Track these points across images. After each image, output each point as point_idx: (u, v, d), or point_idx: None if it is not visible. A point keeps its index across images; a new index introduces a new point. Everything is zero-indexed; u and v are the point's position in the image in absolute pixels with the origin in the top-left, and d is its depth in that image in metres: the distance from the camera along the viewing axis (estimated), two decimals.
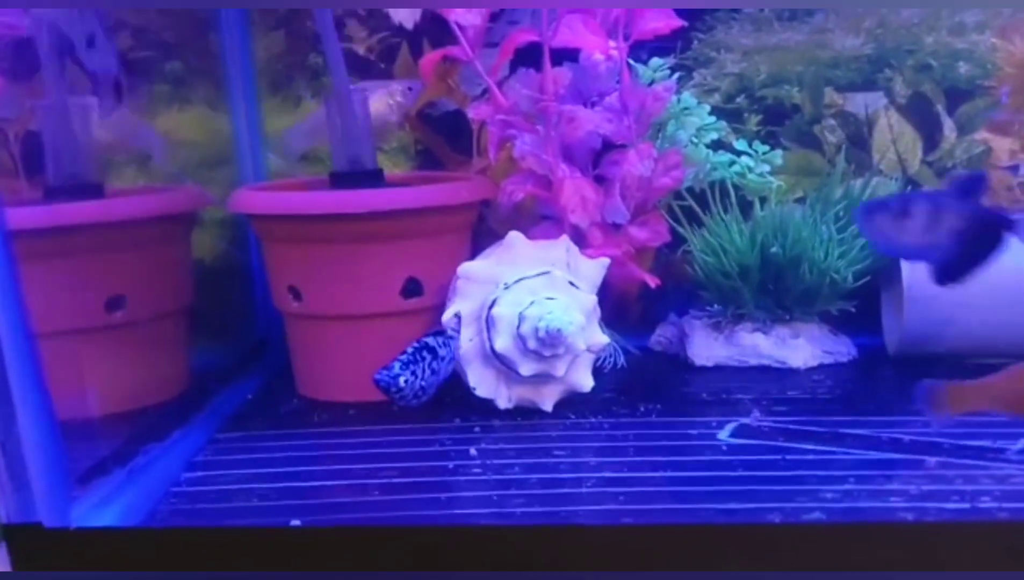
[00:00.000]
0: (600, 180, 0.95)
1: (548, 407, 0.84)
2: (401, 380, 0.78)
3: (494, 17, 0.96)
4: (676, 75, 0.99)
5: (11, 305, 0.60)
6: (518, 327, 0.80)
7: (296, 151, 1.08)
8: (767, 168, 0.98)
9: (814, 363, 0.95)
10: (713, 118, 0.99)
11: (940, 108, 1.03)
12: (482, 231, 0.97)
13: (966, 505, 0.63)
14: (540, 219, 0.97)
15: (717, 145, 1.00)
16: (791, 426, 0.79)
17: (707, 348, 0.97)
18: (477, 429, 0.81)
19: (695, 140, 0.99)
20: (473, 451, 0.76)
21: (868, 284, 0.95)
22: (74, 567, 0.63)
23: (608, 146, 0.96)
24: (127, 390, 0.89)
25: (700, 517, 0.63)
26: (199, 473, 0.74)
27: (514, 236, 0.86)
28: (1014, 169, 1.04)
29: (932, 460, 0.70)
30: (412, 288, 0.88)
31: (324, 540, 0.63)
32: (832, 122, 1.04)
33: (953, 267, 0.69)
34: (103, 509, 0.66)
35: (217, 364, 0.98)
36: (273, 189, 0.94)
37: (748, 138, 1.01)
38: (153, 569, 0.64)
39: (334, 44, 0.89)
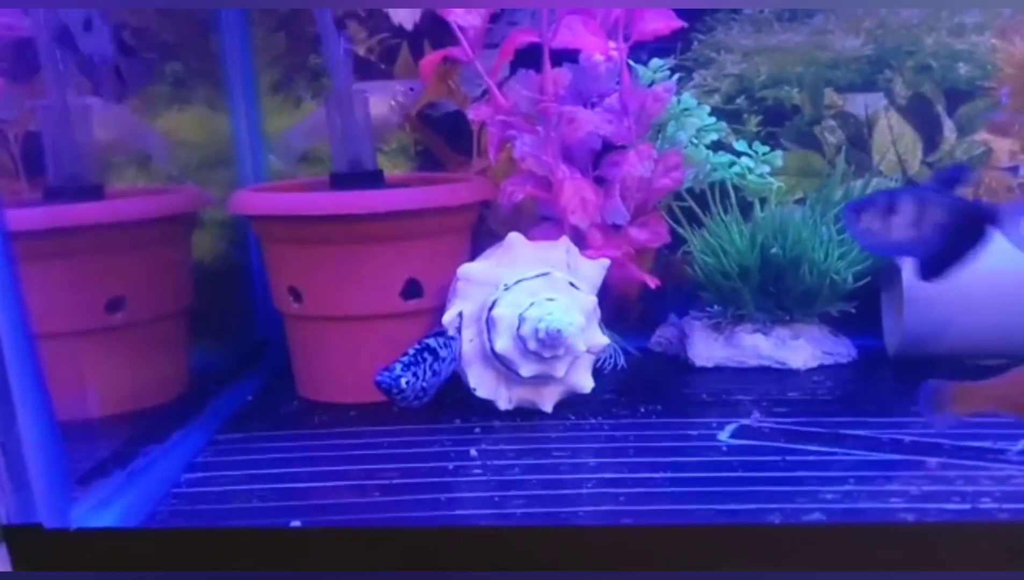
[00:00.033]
0: (600, 181, 0.95)
1: (548, 408, 0.84)
2: (403, 381, 0.78)
3: (494, 18, 0.96)
4: (676, 76, 0.99)
5: (11, 306, 0.60)
6: (518, 328, 0.80)
7: (296, 150, 1.08)
8: (767, 169, 0.98)
9: (814, 364, 0.95)
10: (713, 119, 0.99)
11: (940, 109, 1.03)
12: (482, 232, 0.97)
13: (967, 506, 0.63)
14: (540, 220, 0.97)
15: (717, 146, 1.00)
16: (791, 427, 0.79)
17: (707, 349, 0.97)
18: (477, 430, 0.81)
19: (695, 141, 0.99)
20: (473, 452, 0.76)
21: (868, 285, 0.95)
22: (74, 568, 0.63)
23: (608, 147, 0.96)
24: (127, 391, 0.89)
25: (700, 518, 0.63)
26: (199, 474, 0.74)
27: (514, 237, 0.86)
28: (1014, 170, 1.04)
29: (933, 461, 0.70)
30: (412, 289, 0.88)
31: (324, 541, 0.63)
32: (832, 123, 1.04)
33: (938, 261, 0.69)
34: (103, 510, 0.66)
35: (217, 365, 0.98)
36: (273, 190, 0.94)
37: (748, 139, 1.01)
38: (153, 570, 0.64)
39: (334, 45, 0.89)
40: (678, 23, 0.91)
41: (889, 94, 1.03)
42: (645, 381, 0.94)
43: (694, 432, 0.78)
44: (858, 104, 1.04)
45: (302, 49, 1.07)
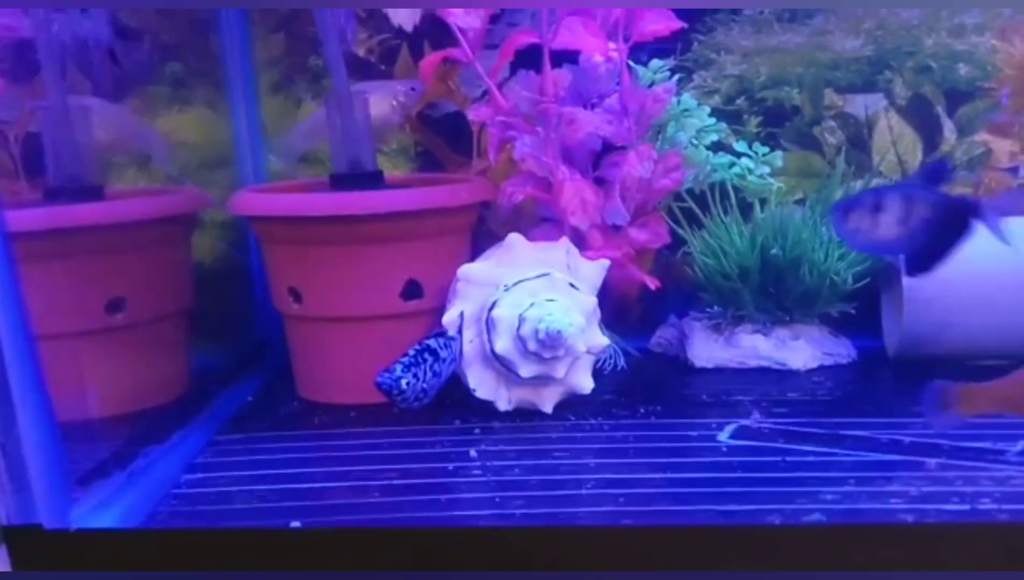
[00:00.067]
0: (600, 182, 0.95)
1: (548, 409, 0.84)
2: (403, 382, 0.78)
3: (494, 19, 0.96)
4: (676, 77, 0.99)
5: (11, 307, 0.60)
6: (518, 329, 0.80)
7: (297, 151, 1.08)
8: (767, 170, 0.98)
9: (814, 365, 0.95)
10: (713, 120, 0.99)
11: (940, 110, 1.03)
12: (482, 233, 0.97)
13: (966, 507, 0.63)
14: (540, 221, 0.97)
15: (717, 147, 0.99)
16: (791, 428, 0.79)
17: (707, 350, 0.97)
18: (477, 431, 0.81)
19: (695, 142, 0.99)
20: (473, 453, 0.76)
21: (868, 286, 0.96)
22: (74, 568, 0.63)
23: (608, 148, 0.96)
24: (127, 392, 0.89)
25: (700, 518, 0.63)
26: (199, 475, 0.74)
27: (514, 238, 0.86)
28: (1014, 171, 1.04)
29: (932, 462, 0.70)
30: (412, 290, 0.88)
31: (324, 541, 0.63)
32: (832, 124, 1.05)
33: (923, 256, 0.69)
34: (103, 511, 0.66)
35: (217, 366, 0.98)
36: (273, 191, 0.94)
37: (748, 140, 1.01)
38: (153, 570, 0.64)
39: (334, 46, 0.89)
40: (678, 24, 0.91)
41: (889, 95, 1.04)
42: (645, 382, 0.94)
43: (694, 433, 0.78)
44: (858, 105, 1.04)
45: (302, 50, 1.07)
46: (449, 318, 0.84)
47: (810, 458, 0.72)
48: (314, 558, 0.63)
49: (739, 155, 0.99)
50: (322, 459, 0.77)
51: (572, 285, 0.84)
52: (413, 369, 0.79)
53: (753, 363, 0.95)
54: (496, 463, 0.73)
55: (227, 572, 0.63)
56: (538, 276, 0.83)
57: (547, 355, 0.80)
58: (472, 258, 0.89)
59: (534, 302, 0.81)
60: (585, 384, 0.84)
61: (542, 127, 0.93)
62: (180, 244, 0.96)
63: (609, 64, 0.93)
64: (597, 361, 0.90)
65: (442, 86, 1.06)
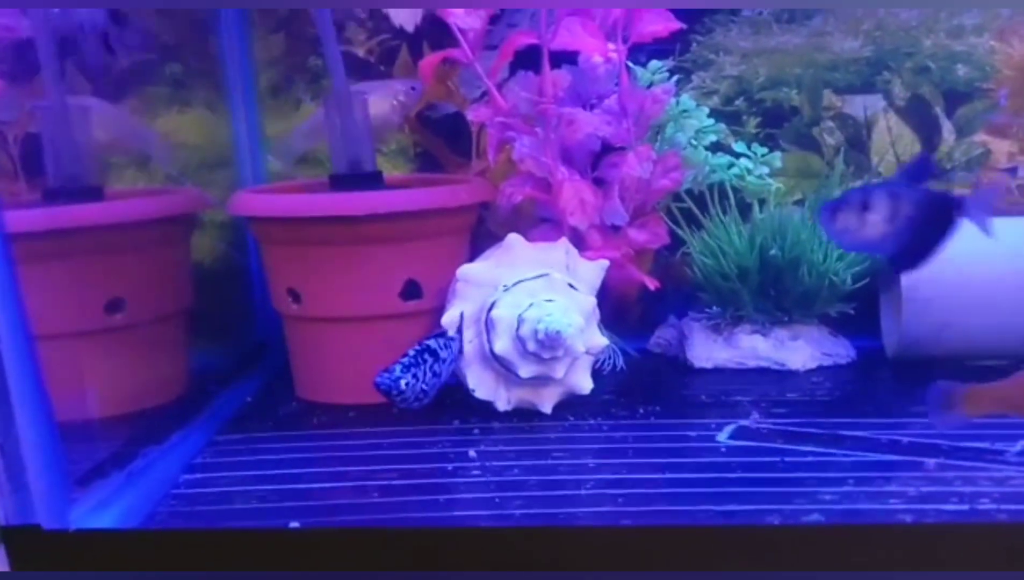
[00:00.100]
0: (599, 182, 0.95)
1: (547, 409, 0.84)
2: (402, 383, 0.78)
3: (493, 20, 0.96)
4: (675, 77, 1.00)
5: (10, 307, 0.60)
6: (517, 329, 0.80)
7: (296, 152, 1.08)
8: (766, 170, 0.99)
9: (813, 365, 0.95)
10: (712, 120, 0.99)
11: (939, 110, 1.03)
12: (481, 233, 0.97)
13: (965, 507, 0.63)
14: (539, 221, 0.97)
15: (716, 147, 1.00)
16: (790, 428, 0.79)
17: (706, 350, 0.97)
18: (476, 431, 0.81)
19: (694, 142, 0.99)
20: (472, 453, 0.76)
21: (867, 286, 0.96)
22: (73, 569, 0.63)
23: (607, 148, 0.96)
24: (126, 392, 0.89)
25: (699, 519, 0.63)
26: (198, 475, 0.74)
27: (513, 238, 0.86)
28: (1013, 171, 1.04)
29: (931, 462, 0.70)
30: (411, 290, 0.88)
31: (323, 542, 0.63)
32: (831, 124, 1.05)
33: (909, 254, 0.69)
34: (102, 511, 0.66)
35: (216, 366, 0.98)
36: (272, 192, 0.94)
37: (747, 140, 1.01)
38: (152, 570, 0.64)
39: (333, 46, 0.89)
40: (677, 25, 0.91)
41: (888, 96, 1.04)
42: (644, 382, 0.94)
43: (693, 433, 0.78)
44: (857, 105, 1.04)
45: (301, 50, 1.07)
46: (448, 318, 0.84)
47: (809, 458, 0.72)
48: (313, 558, 0.63)
49: (738, 156, 0.99)
50: (321, 459, 0.77)
51: (571, 285, 0.84)
52: (412, 369, 0.79)
53: (752, 363, 0.95)
54: (495, 463, 0.73)
55: (226, 572, 0.63)
56: (537, 276, 0.83)
57: (546, 355, 0.80)
58: (471, 258, 0.89)
59: (533, 302, 0.81)
60: (584, 384, 0.84)
61: (541, 128, 0.93)
62: (180, 244, 0.96)
63: (608, 65, 0.93)
64: (596, 361, 0.90)
65: (441, 87, 1.06)
